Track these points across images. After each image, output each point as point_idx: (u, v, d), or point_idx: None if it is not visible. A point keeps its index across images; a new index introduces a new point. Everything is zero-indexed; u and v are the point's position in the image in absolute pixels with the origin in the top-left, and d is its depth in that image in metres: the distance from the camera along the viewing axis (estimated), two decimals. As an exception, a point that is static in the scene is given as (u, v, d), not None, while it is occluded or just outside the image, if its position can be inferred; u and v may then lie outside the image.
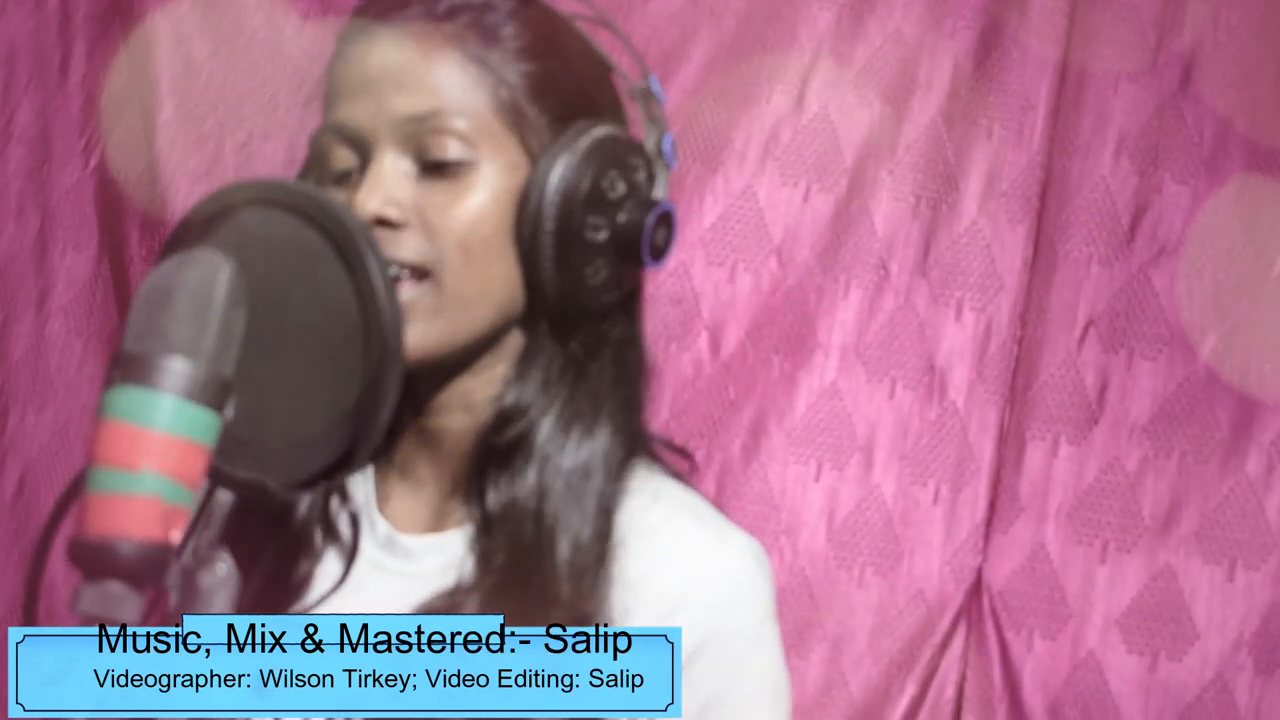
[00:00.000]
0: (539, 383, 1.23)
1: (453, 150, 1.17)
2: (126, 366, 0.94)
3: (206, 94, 2.19)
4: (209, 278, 0.96)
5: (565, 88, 1.22)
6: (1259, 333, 1.85)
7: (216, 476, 0.99)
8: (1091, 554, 1.87)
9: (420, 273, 1.14)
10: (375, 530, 1.25)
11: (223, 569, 0.96)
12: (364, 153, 1.18)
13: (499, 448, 1.22)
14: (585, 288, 1.20)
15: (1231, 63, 1.89)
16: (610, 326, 1.25)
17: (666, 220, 1.22)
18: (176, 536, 0.94)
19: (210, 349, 0.95)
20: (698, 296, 1.97)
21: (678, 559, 1.20)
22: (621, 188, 1.20)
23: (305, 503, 1.27)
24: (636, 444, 1.26)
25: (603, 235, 1.20)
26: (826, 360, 1.96)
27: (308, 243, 1.04)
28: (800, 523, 1.94)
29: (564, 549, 1.19)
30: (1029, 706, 1.86)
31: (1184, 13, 1.91)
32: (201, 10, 2.20)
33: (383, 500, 1.27)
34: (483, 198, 1.17)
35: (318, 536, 1.27)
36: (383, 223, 1.15)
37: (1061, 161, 1.93)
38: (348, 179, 1.19)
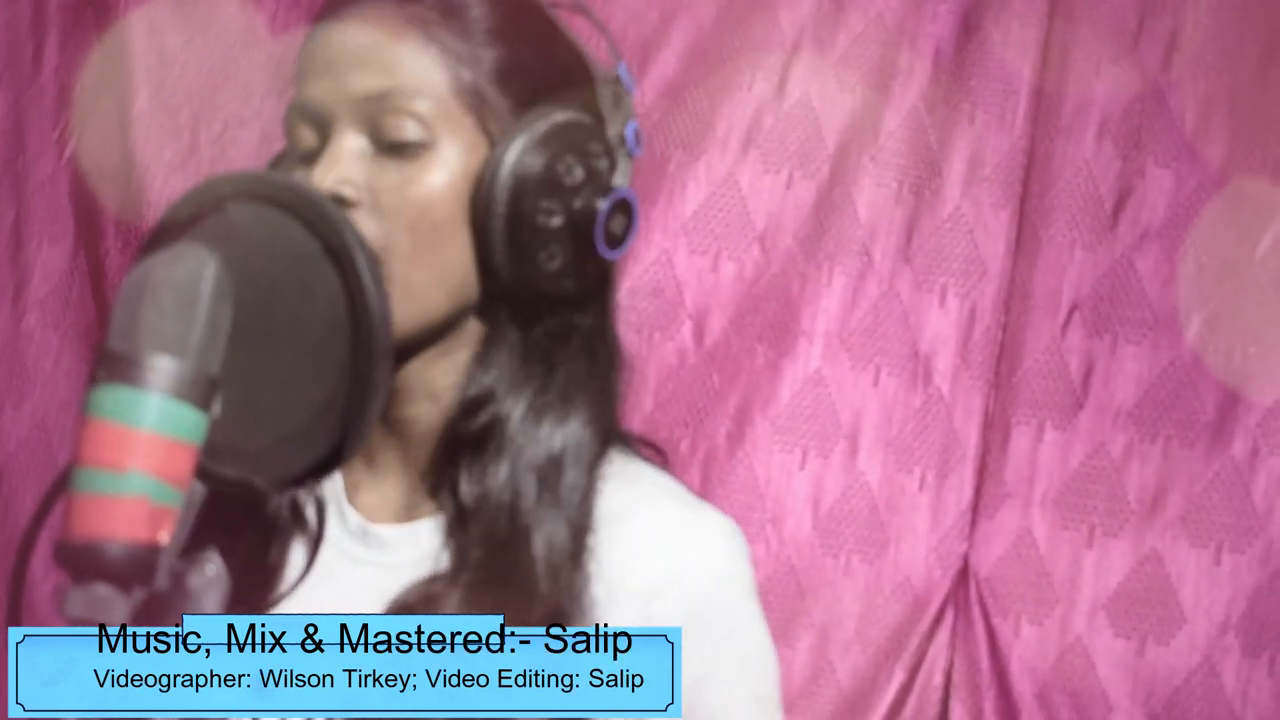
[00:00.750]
0: (504, 370, 1.22)
1: (409, 130, 1.16)
2: (111, 365, 0.92)
3: (181, 84, 2.18)
4: (194, 273, 0.95)
5: (531, 72, 1.21)
6: (1243, 316, 1.86)
7: (202, 474, 0.97)
8: (1078, 539, 1.87)
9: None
10: (346, 521, 1.24)
11: (212, 569, 0.95)
12: (324, 131, 1.18)
13: (468, 437, 1.21)
14: (539, 273, 1.18)
15: (1213, 45, 1.89)
16: (579, 315, 1.24)
17: (625, 208, 1.21)
18: (165, 537, 0.93)
19: (196, 346, 0.94)
20: (680, 285, 1.97)
21: (654, 543, 1.20)
22: (579, 174, 1.19)
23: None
24: (611, 435, 1.25)
25: (556, 221, 1.18)
26: (810, 347, 1.95)
27: (293, 237, 1.03)
28: (786, 511, 1.94)
29: (540, 544, 1.18)
30: (1017, 692, 1.86)
31: (1165, -5, 1.91)
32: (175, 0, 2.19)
33: (352, 490, 1.26)
34: (437, 179, 1.17)
35: (286, 527, 1.25)
36: (336, 201, 1.13)
37: (1044, 146, 1.93)
38: (314, 158, 1.18)
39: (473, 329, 1.22)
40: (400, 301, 1.14)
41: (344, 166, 1.16)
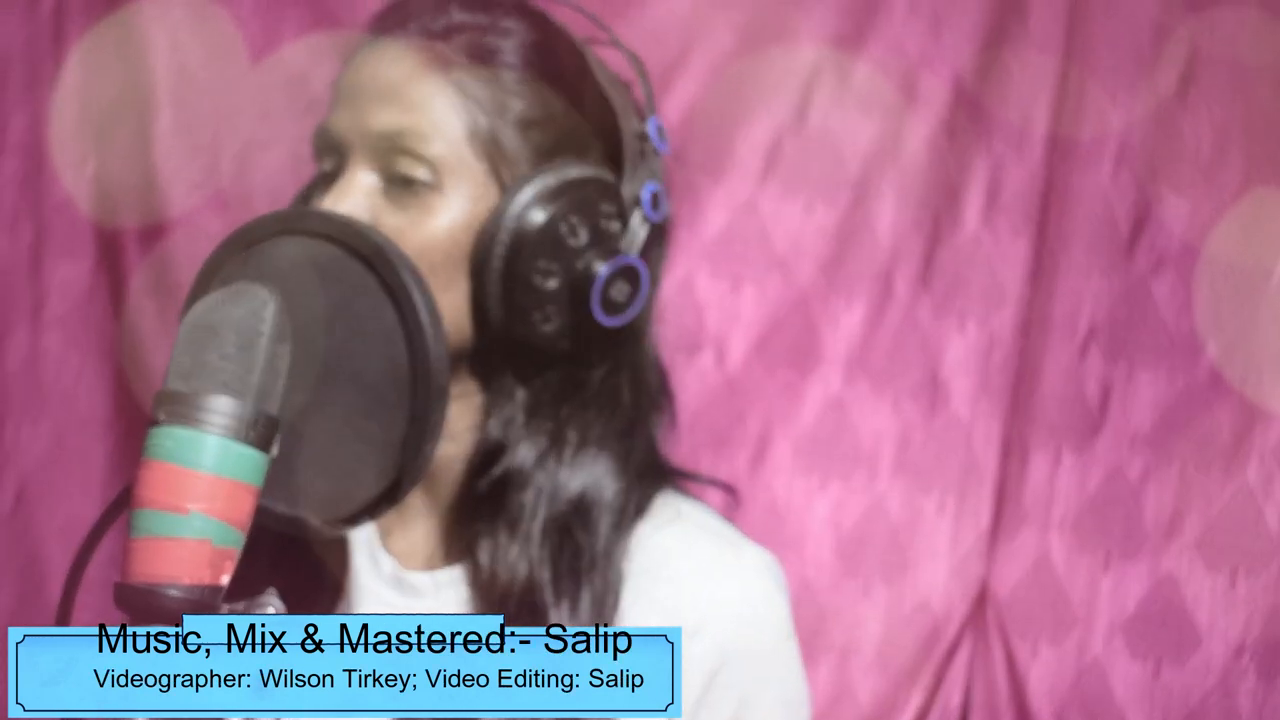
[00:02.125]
0: (513, 421, 1.20)
1: (418, 171, 1.16)
2: (172, 406, 0.93)
3: (203, 104, 2.17)
4: (254, 313, 0.96)
5: (556, 121, 1.20)
6: (1259, 341, 1.86)
7: (256, 513, 0.98)
8: (1095, 562, 1.88)
9: None
10: (380, 567, 1.24)
11: (272, 610, 0.96)
12: (341, 160, 1.18)
13: (486, 492, 1.20)
14: (533, 333, 1.16)
15: (1229, 73, 1.90)
16: (586, 372, 1.22)
17: (628, 275, 1.17)
18: (225, 580, 0.94)
19: (256, 387, 0.95)
20: (701, 309, 1.98)
21: (693, 583, 1.20)
22: (583, 236, 1.16)
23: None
24: (648, 481, 1.24)
25: (553, 283, 1.15)
26: (831, 373, 1.96)
27: (349, 275, 1.04)
28: (807, 534, 1.94)
29: (560, 612, 1.18)
30: (1035, 713, 1.87)
31: (1181, 24, 1.91)
32: (197, 19, 2.18)
33: (384, 534, 1.26)
34: (439, 224, 1.16)
35: (321, 574, 1.26)
36: None
37: (1061, 173, 1.94)
38: (330, 183, 1.20)
39: (471, 385, 1.21)
40: None
41: (352, 200, 1.16)
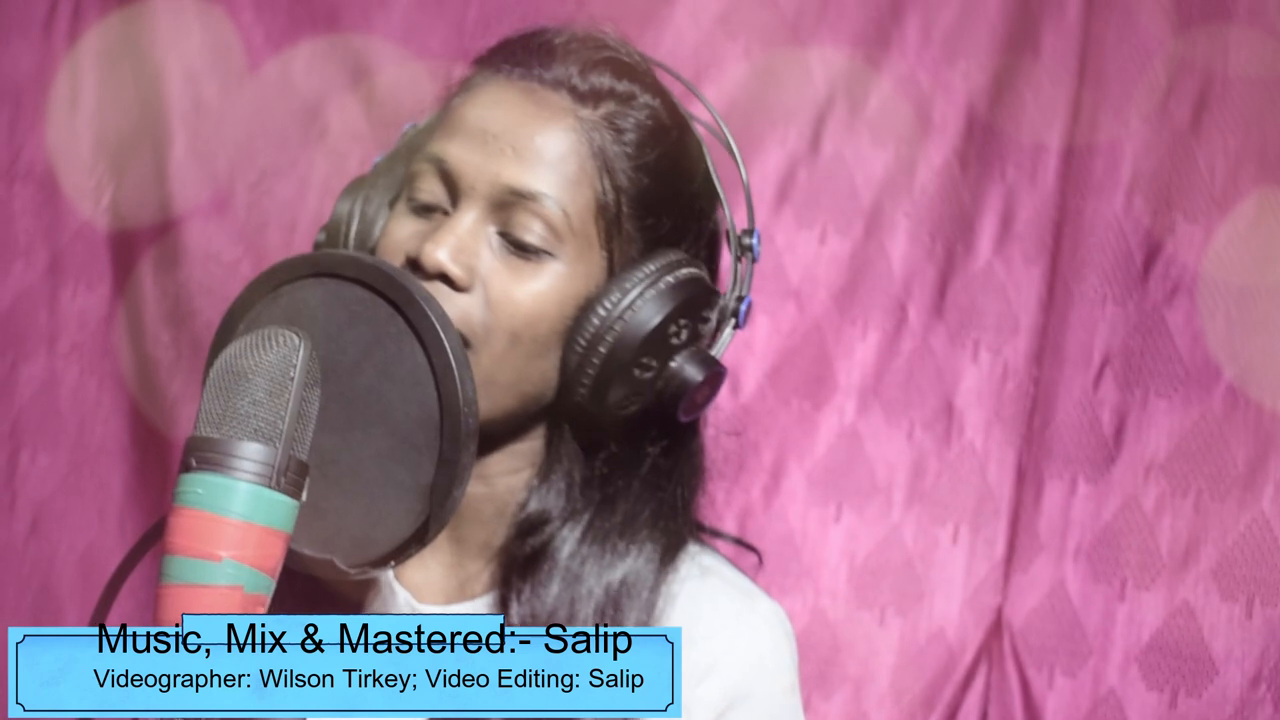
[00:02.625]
0: (562, 492, 1.20)
1: (538, 236, 1.13)
2: (203, 453, 0.94)
3: (217, 133, 2.18)
4: (286, 359, 0.96)
5: (671, 210, 1.18)
6: (1273, 370, 1.86)
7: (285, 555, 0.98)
8: (1111, 592, 1.88)
9: (462, 339, 1.10)
10: (395, 599, 1.24)
11: None
12: (455, 197, 1.15)
13: (521, 560, 1.19)
14: (610, 414, 1.16)
15: (1242, 101, 1.90)
16: (650, 447, 1.21)
17: (714, 382, 1.18)
18: None
19: (287, 433, 0.95)
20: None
21: (704, 629, 1.19)
22: (685, 336, 1.16)
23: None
24: (679, 548, 1.22)
25: (649, 375, 1.16)
26: (845, 402, 1.96)
27: (378, 317, 1.03)
28: (821, 564, 1.95)
29: None
30: (1051, 744, 1.87)
31: (1194, 53, 1.91)
32: (211, 48, 2.19)
33: (399, 567, 1.26)
34: (550, 293, 1.14)
35: (335, 604, 1.26)
36: (444, 277, 1.12)
37: (1075, 202, 1.94)
38: (428, 212, 1.16)
39: (536, 432, 1.20)
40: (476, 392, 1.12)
41: (463, 244, 1.13)
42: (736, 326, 1.20)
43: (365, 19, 2.10)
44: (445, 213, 1.15)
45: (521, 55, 1.18)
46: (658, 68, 1.24)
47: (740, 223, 1.23)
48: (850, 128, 1.99)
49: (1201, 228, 1.90)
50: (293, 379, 0.95)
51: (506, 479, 1.21)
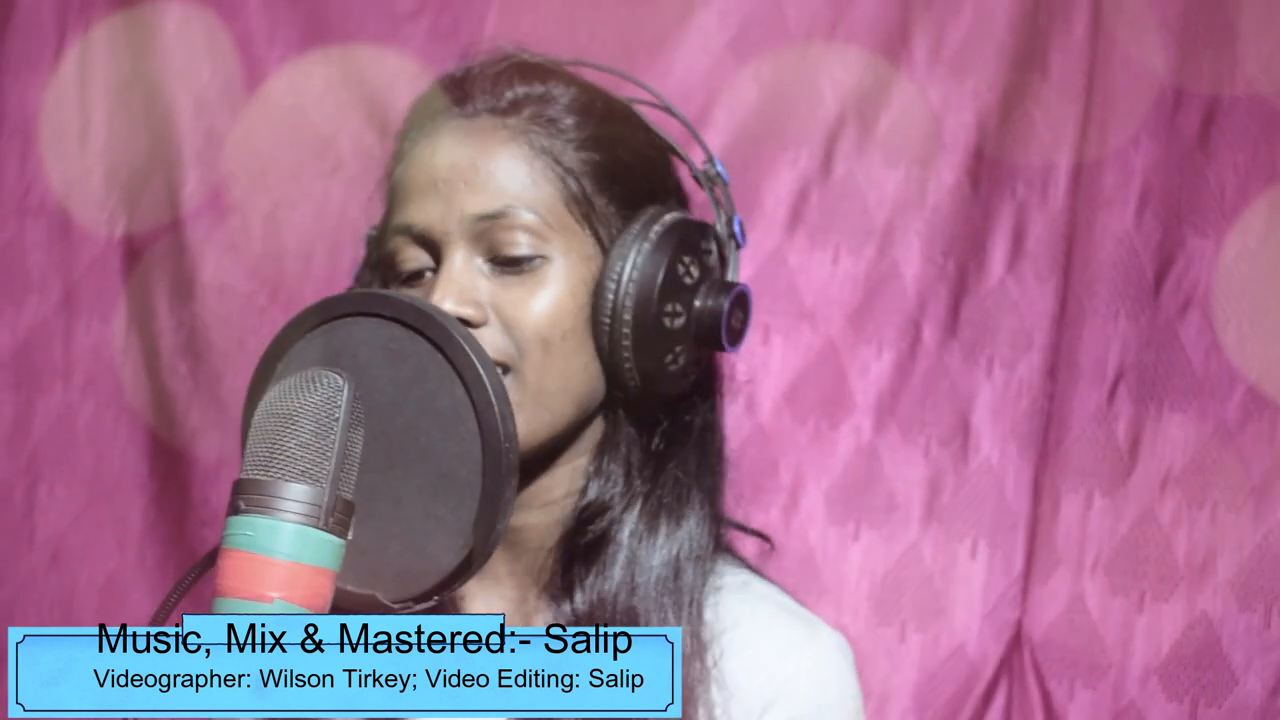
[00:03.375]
0: (619, 476, 1.22)
1: (524, 246, 1.16)
2: (251, 495, 0.95)
3: (230, 164, 2.19)
4: (330, 400, 0.97)
5: (631, 174, 1.22)
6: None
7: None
8: (1129, 604, 1.88)
9: (500, 368, 1.12)
10: None
11: None
12: (435, 253, 1.18)
13: (583, 547, 1.21)
14: (665, 375, 1.19)
15: (1249, 116, 1.91)
16: (691, 415, 1.25)
17: (743, 302, 1.22)
18: None
19: (333, 473, 0.96)
20: (731, 359, 1.99)
21: (771, 659, 1.21)
22: (696, 273, 1.20)
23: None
24: (720, 528, 1.26)
25: (680, 322, 1.19)
26: (862, 421, 1.97)
27: (418, 356, 1.04)
28: (841, 582, 1.95)
29: None
30: (1073, 756, 1.88)
31: (1201, 68, 1.93)
32: (223, 78, 2.20)
33: (457, 599, 1.26)
34: (558, 291, 1.17)
35: None
36: (461, 322, 1.13)
37: (1085, 217, 1.95)
38: (418, 278, 1.19)
39: (591, 435, 1.23)
40: (534, 412, 1.15)
41: (463, 287, 1.16)
42: (739, 247, 1.24)
43: (379, 48, 2.11)
44: (432, 271, 1.19)
45: (437, 105, 1.22)
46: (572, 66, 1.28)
47: (699, 163, 1.28)
48: (861, 148, 2.00)
49: (1212, 241, 1.91)
50: (338, 420, 0.96)
51: (569, 501, 1.23)
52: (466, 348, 1.04)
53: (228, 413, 2.13)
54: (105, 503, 2.21)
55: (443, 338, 1.04)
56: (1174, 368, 1.90)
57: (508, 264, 1.17)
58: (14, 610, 2.20)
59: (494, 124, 1.19)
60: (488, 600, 1.26)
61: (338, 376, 0.97)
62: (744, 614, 1.23)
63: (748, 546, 1.35)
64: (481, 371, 1.03)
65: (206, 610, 0.95)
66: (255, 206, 2.17)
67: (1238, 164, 1.91)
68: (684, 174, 1.30)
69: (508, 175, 1.18)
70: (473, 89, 1.21)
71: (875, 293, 1.99)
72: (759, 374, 1.98)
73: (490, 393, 1.03)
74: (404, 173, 1.21)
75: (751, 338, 1.98)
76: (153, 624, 1.00)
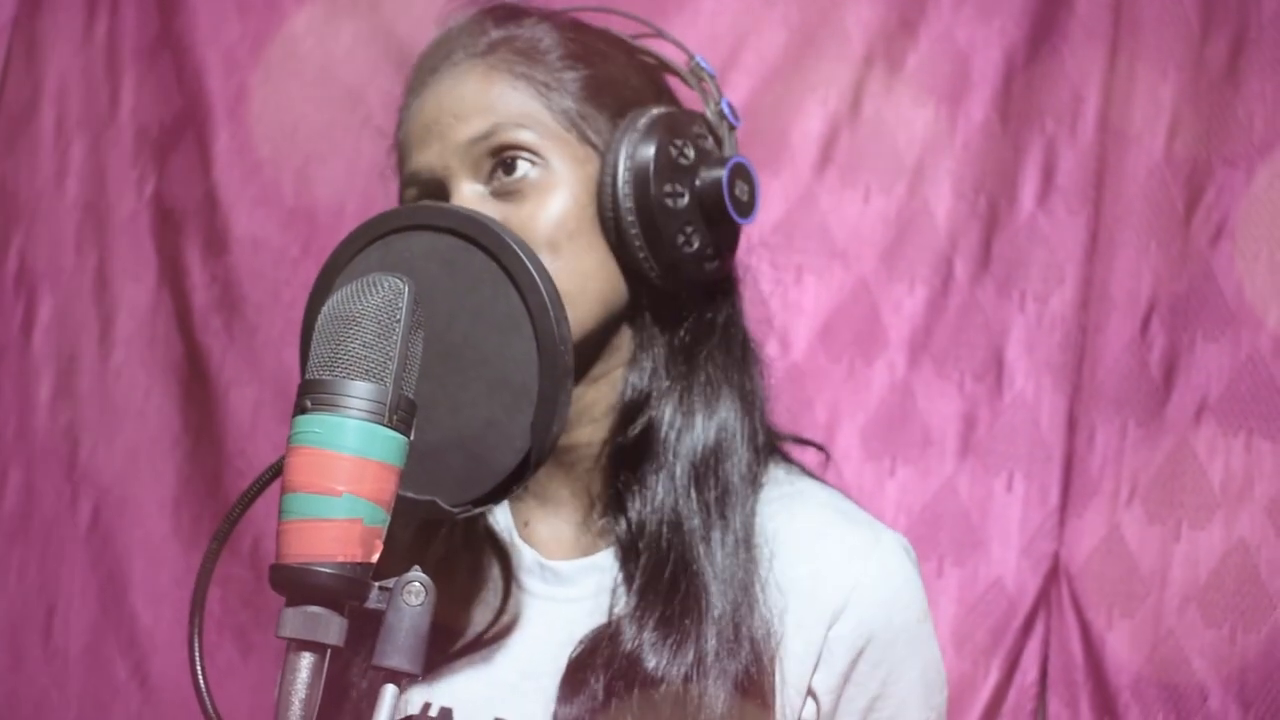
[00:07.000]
0: (654, 373, 1.25)
1: (521, 161, 1.21)
2: (317, 394, 0.96)
3: (260, 121, 2.20)
4: (391, 303, 0.99)
5: (616, 85, 1.26)
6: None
7: None
8: (1166, 532, 1.89)
9: None
10: (522, 558, 1.27)
11: (419, 586, 0.97)
12: (443, 193, 1.22)
13: (628, 448, 1.24)
14: (681, 258, 1.23)
15: (1277, 46, 1.91)
16: (713, 311, 1.28)
17: (743, 173, 1.25)
18: (375, 557, 0.96)
19: (396, 372, 0.98)
20: (764, 299, 2.00)
21: (836, 566, 1.23)
22: (691, 153, 1.24)
23: (445, 535, 1.29)
24: (765, 438, 1.28)
25: (684, 201, 1.23)
26: (896, 358, 1.98)
27: (473, 264, 1.06)
28: (878, 518, 1.94)
29: (708, 554, 1.21)
30: (1113, 685, 1.87)
31: (1227, 0, 1.93)
32: (252, 37, 2.21)
33: (521, 526, 1.29)
34: (561, 196, 1.21)
35: (465, 569, 1.29)
36: None
37: (1115, 150, 1.95)
38: None
39: (623, 343, 1.26)
40: None
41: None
42: (732, 128, 1.28)
43: (406, 3, 2.12)
44: None
45: (426, 64, 1.27)
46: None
47: (681, 68, 1.32)
48: (890, 88, 2.00)
49: (1242, 171, 1.91)
50: (399, 321, 0.98)
51: (611, 415, 1.26)
52: (523, 255, 1.06)
53: (262, 366, 2.15)
54: (143, 460, 2.22)
55: (499, 246, 1.06)
56: (1206, 297, 1.90)
57: (509, 179, 1.21)
58: (59, 573, 2.21)
59: (475, 62, 1.24)
60: (553, 526, 1.28)
61: (398, 280, 0.99)
62: (802, 521, 1.25)
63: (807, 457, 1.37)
64: (536, 277, 1.05)
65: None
66: (287, 161, 2.18)
67: (1266, 94, 1.91)
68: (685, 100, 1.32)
69: (493, 99, 1.22)
70: (453, 44, 1.26)
71: (907, 230, 2.00)
72: (792, 314, 1.98)
73: (545, 297, 1.05)
74: (404, 130, 1.27)
75: (784, 278, 2.01)
76: (213, 542, 1.01)
